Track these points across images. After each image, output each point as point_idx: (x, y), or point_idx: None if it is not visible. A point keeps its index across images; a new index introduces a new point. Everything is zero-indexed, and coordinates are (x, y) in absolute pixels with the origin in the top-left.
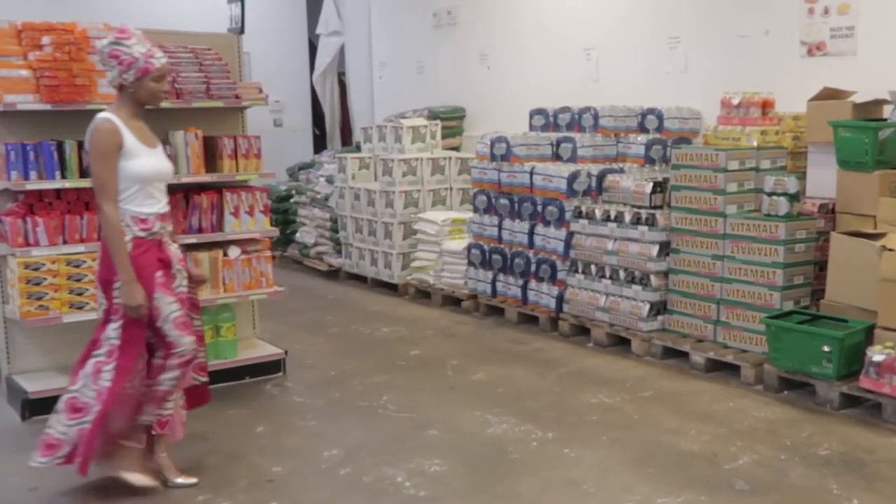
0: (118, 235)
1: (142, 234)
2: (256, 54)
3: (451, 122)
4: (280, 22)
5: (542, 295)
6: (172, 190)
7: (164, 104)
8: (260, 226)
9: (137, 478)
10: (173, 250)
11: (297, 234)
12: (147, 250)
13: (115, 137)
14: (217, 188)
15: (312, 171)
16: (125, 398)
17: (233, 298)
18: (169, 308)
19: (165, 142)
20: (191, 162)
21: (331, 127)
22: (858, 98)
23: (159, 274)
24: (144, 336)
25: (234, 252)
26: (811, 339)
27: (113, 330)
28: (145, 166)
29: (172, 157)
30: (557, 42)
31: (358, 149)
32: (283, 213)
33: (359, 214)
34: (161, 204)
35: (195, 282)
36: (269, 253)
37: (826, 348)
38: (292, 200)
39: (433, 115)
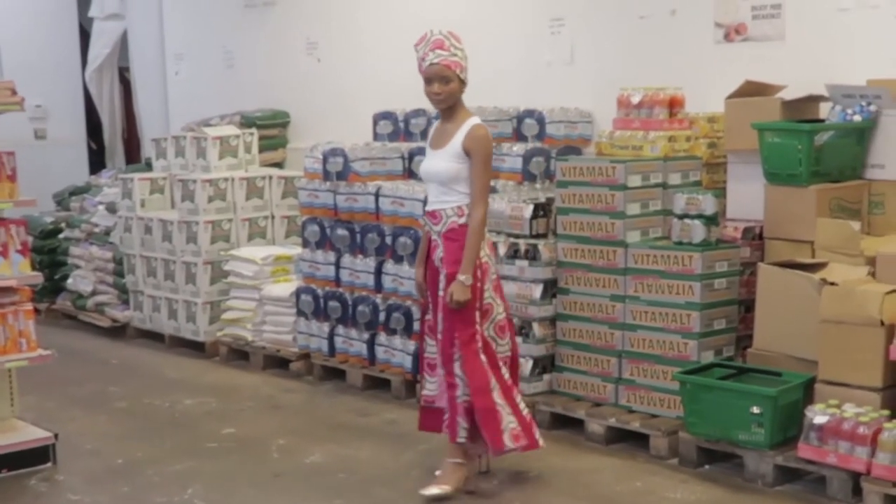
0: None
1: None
2: (8, 44)
3: (272, 130)
4: (40, 2)
5: (395, 352)
6: None
7: None
8: (17, 270)
9: None
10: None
11: (70, 281)
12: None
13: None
14: None
15: (88, 196)
16: None
17: None
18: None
19: None
20: None
21: (111, 138)
22: (788, 94)
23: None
24: None
25: None
26: (736, 398)
27: None
28: (421, 167)
29: None
30: (408, 25)
31: (149, 167)
32: (49, 252)
33: (151, 253)
34: (429, 202)
35: None
36: (30, 306)
37: (755, 410)
38: (62, 236)
39: (248, 122)
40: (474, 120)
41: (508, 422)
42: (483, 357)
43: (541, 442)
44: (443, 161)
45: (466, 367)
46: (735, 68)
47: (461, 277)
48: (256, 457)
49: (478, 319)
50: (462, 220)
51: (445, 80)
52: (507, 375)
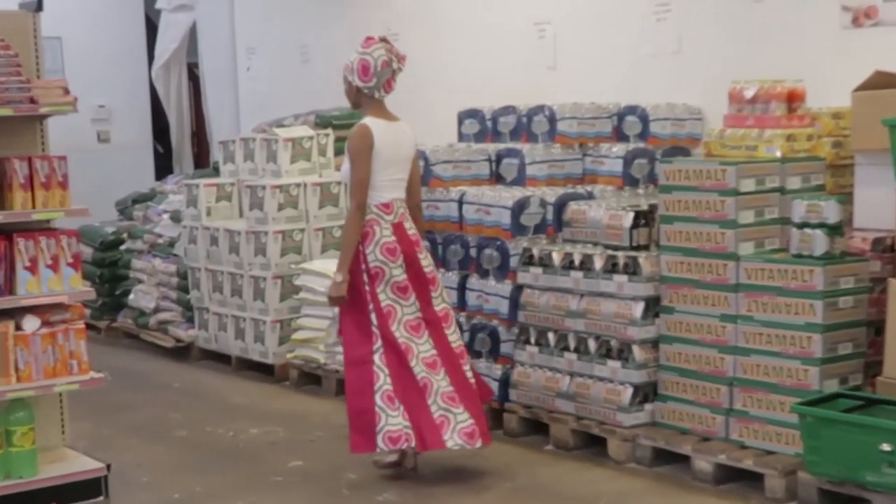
0: None
1: None
2: (69, 39)
3: (349, 131)
4: None
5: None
6: None
7: None
8: (68, 285)
9: None
10: None
11: (132, 296)
12: None
13: None
14: (5, 232)
15: (152, 204)
16: None
17: (30, 391)
18: None
19: None
20: None
21: (179, 141)
22: None
23: None
24: None
25: (30, 324)
26: (864, 434)
27: None
28: None
29: None
30: (497, 14)
31: (216, 172)
32: (110, 265)
33: (217, 266)
34: None
35: None
36: (81, 324)
37: (886, 447)
38: (123, 248)
39: (323, 122)
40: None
41: (387, 424)
42: (378, 359)
43: (450, 443)
44: (344, 164)
45: (346, 367)
46: (864, 57)
47: (336, 277)
48: (325, 493)
49: (375, 322)
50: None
51: (344, 80)
52: (421, 375)
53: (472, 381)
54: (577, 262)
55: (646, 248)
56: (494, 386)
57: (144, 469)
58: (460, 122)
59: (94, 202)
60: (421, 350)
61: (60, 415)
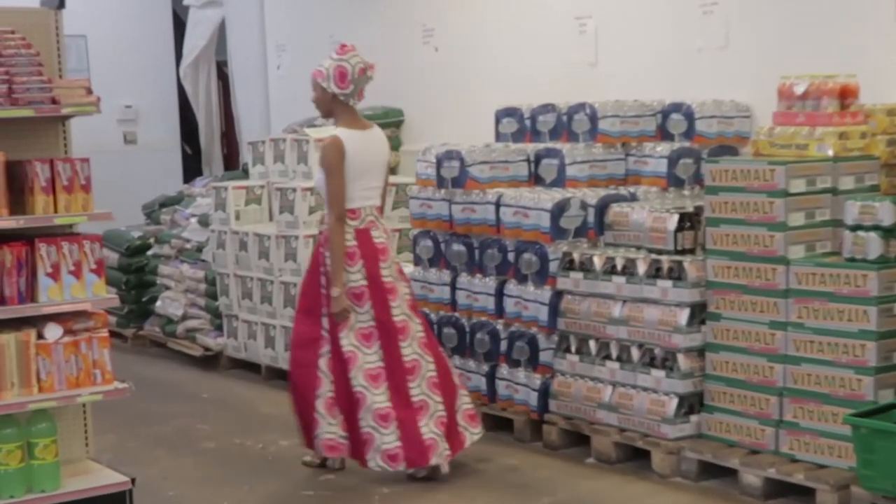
0: None
1: None
2: (95, 37)
3: (383, 130)
4: None
5: (518, 387)
6: None
7: None
8: (91, 292)
9: None
10: None
11: (159, 303)
12: None
13: None
14: (27, 238)
15: (180, 208)
16: None
17: (52, 402)
18: None
19: None
20: None
21: (208, 142)
22: None
23: None
24: None
25: (53, 332)
26: None
27: None
28: None
29: None
30: (536, 8)
31: (245, 174)
32: (136, 271)
33: (246, 272)
34: None
35: None
36: (105, 332)
37: None
38: (150, 253)
39: None
40: (334, 132)
41: (325, 431)
42: (323, 364)
43: (371, 464)
44: (317, 173)
45: (291, 365)
46: None
47: (332, 292)
48: None
49: (325, 326)
50: (323, 227)
51: (313, 87)
52: (357, 388)
53: (421, 398)
54: (619, 267)
55: (691, 251)
56: (533, 396)
57: (171, 483)
58: (498, 121)
59: (120, 205)
60: (367, 361)
61: (84, 426)
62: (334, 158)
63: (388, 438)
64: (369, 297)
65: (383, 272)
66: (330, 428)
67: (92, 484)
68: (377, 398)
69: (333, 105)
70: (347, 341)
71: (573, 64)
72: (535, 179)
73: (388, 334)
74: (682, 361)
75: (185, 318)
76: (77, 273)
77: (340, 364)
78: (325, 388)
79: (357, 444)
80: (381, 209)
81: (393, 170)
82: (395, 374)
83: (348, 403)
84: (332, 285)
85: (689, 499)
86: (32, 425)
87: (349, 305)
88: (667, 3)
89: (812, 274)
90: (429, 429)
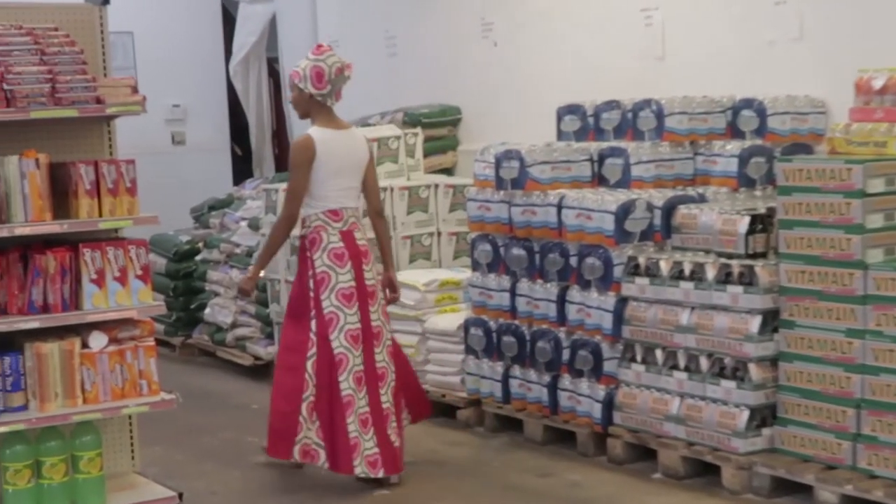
0: None
1: None
2: (142, 34)
3: (439, 129)
4: None
5: (581, 398)
6: (3, 247)
7: None
8: (137, 299)
9: None
10: None
11: (208, 311)
12: None
13: None
14: (70, 243)
15: (229, 211)
16: None
17: (97, 413)
18: None
19: None
20: (29, 203)
21: (258, 142)
22: None
23: None
24: None
25: (97, 341)
26: None
27: None
28: None
29: (1, 196)
30: (599, 0)
31: None
32: (185, 277)
33: None
34: None
35: None
36: (151, 341)
37: None
38: (199, 258)
39: (411, 121)
40: (308, 131)
41: (305, 437)
42: (310, 366)
43: (358, 470)
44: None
45: (277, 369)
46: None
47: (248, 269)
48: None
49: (314, 329)
50: (305, 230)
51: (290, 88)
52: (346, 392)
53: (388, 405)
54: (687, 272)
55: (763, 255)
56: (597, 408)
57: (219, 497)
58: (559, 119)
59: (168, 209)
60: (355, 364)
61: (130, 439)
62: (300, 157)
63: (368, 444)
64: (357, 299)
65: (366, 275)
66: (308, 433)
67: (138, 498)
68: (361, 402)
69: (311, 105)
70: (338, 342)
71: (638, 58)
72: (599, 180)
73: (366, 339)
74: (754, 371)
75: (234, 325)
76: (122, 279)
77: (328, 367)
78: (310, 393)
79: (341, 450)
80: (372, 208)
81: (449, 170)
82: (371, 379)
83: (329, 408)
84: (253, 265)
85: None
86: (77, 438)
87: (252, 290)
88: None
89: (892, 279)
90: (395, 436)
